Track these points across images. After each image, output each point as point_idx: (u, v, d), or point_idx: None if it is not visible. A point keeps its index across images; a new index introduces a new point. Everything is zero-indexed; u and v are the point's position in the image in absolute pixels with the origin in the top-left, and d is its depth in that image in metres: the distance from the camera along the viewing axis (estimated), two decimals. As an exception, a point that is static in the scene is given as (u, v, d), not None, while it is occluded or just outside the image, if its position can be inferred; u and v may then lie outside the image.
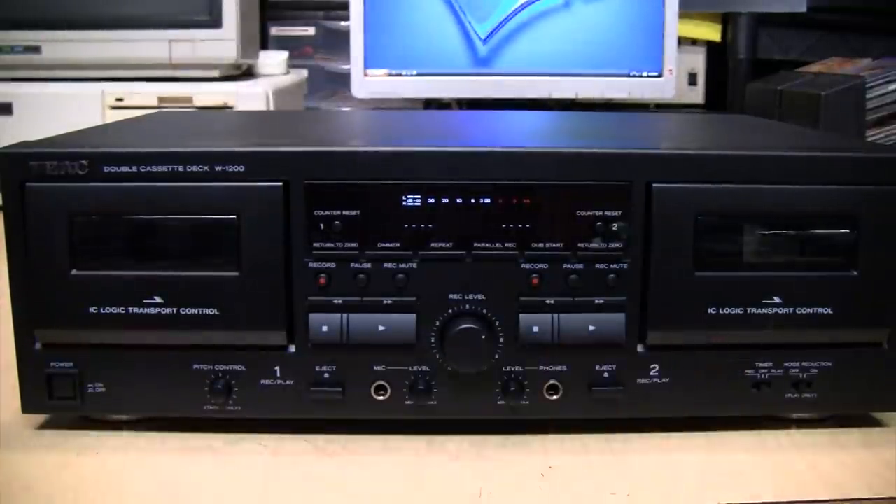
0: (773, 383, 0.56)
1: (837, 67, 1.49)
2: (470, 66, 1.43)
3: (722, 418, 0.57)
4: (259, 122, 0.78)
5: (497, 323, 0.54)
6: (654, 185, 0.53)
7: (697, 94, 1.72)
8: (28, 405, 0.55)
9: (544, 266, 0.54)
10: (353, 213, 0.53)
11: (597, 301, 0.54)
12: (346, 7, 1.43)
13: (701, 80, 1.72)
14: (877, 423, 0.59)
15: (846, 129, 1.31)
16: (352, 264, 0.54)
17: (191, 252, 0.54)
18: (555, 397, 0.55)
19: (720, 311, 0.54)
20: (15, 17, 1.31)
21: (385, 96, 1.45)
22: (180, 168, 0.53)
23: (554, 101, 1.48)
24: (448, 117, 0.92)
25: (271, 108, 1.30)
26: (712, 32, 1.71)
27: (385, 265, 0.54)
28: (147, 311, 0.53)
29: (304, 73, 1.61)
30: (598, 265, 0.54)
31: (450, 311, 0.54)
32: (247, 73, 1.45)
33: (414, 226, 0.53)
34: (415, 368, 0.55)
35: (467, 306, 0.54)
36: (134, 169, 0.53)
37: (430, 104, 1.59)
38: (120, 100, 1.28)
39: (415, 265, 0.54)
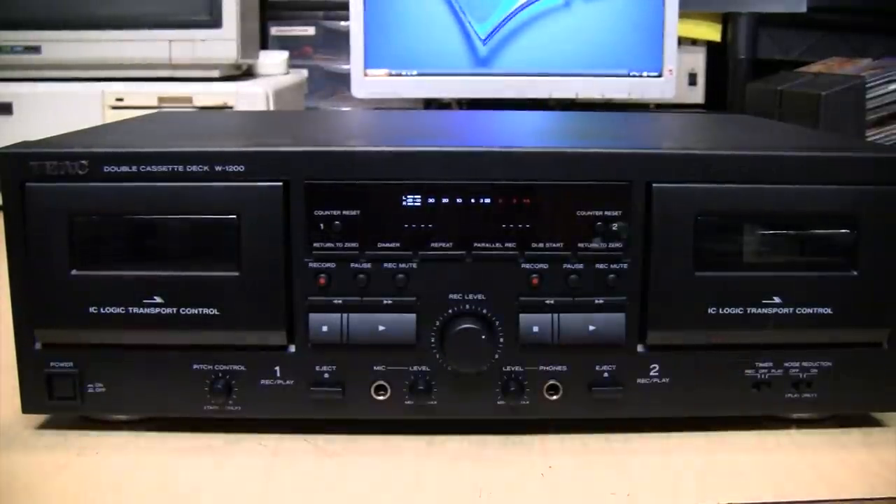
0: (773, 383, 0.56)
1: (837, 67, 1.50)
2: (470, 66, 1.43)
3: (722, 418, 0.57)
4: (259, 122, 0.78)
5: (497, 323, 0.54)
6: (654, 185, 0.53)
7: (697, 94, 1.72)
8: (28, 405, 0.55)
9: (544, 266, 0.54)
10: (353, 213, 0.53)
11: (597, 301, 0.54)
12: (346, 7, 1.43)
13: (701, 80, 1.72)
14: (877, 423, 0.59)
15: (846, 129, 1.31)
16: (352, 264, 0.54)
17: (191, 252, 0.54)
18: (555, 397, 0.55)
19: (720, 311, 0.54)
20: (15, 17, 1.30)
21: (385, 96, 1.45)
22: (180, 168, 0.53)
23: (554, 101, 1.48)
24: (448, 117, 0.92)
25: (271, 108, 1.30)
26: (712, 32, 1.71)
27: (385, 265, 0.54)
28: (147, 311, 0.53)
29: (304, 73, 1.61)
30: (598, 265, 0.54)
31: (450, 311, 0.54)
32: (247, 73, 1.45)
33: (414, 226, 0.53)
34: (415, 368, 0.55)
35: (467, 306, 0.54)
36: (134, 169, 0.53)
37: (430, 104, 1.60)
38: (120, 100, 1.28)
39: (415, 265, 0.54)
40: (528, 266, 0.54)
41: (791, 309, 0.54)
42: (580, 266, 0.54)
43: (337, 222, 0.53)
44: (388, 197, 0.53)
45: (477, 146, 0.54)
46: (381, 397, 0.55)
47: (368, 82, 1.43)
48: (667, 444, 0.56)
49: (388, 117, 0.89)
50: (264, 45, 1.67)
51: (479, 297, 0.54)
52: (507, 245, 0.54)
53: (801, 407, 0.57)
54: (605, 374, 0.55)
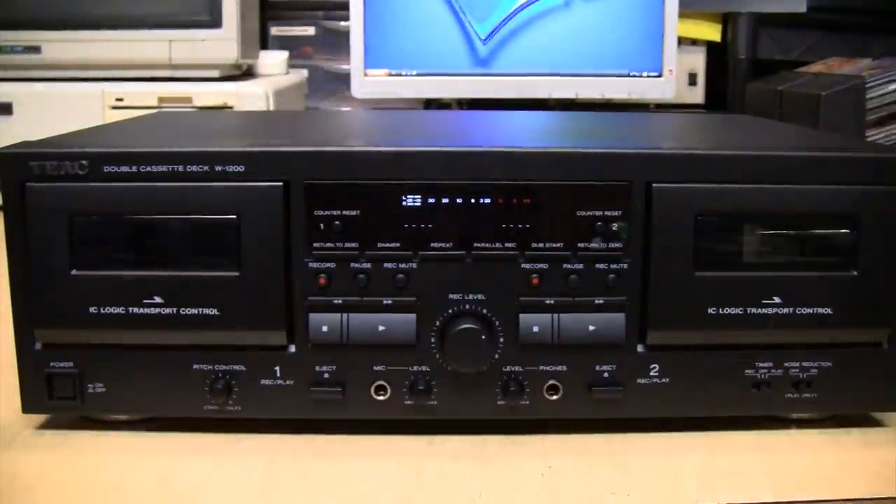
0: (773, 383, 0.56)
1: (837, 67, 1.50)
2: (470, 66, 1.43)
3: (722, 418, 0.57)
4: (259, 122, 0.78)
5: (497, 323, 0.54)
6: (654, 185, 0.53)
7: (697, 94, 1.72)
8: (28, 405, 0.55)
9: (544, 266, 0.54)
10: (353, 213, 0.53)
11: (597, 301, 0.54)
12: (346, 7, 1.43)
13: (701, 80, 1.72)
14: (877, 423, 0.59)
15: (846, 129, 1.31)
16: (352, 264, 0.54)
17: (191, 252, 0.54)
18: (555, 397, 0.55)
19: (720, 311, 0.54)
20: (15, 17, 1.31)
21: (385, 96, 1.45)
22: (180, 168, 0.53)
23: (554, 101, 1.48)
24: (448, 117, 0.92)
25: (271, 108, 1.30)
26: (712, 32, 1.71)
27: (385, 265, 0.54)
28: (147, 311, 0.53)
29: (304, 73, 1.61)
30: (598, 265, 0.54)
31: (450, 311, 0.54)
32: (247, 73, 1.45)
33: (414, 226, 0.53)
34: (415, 368, 0.55)
35: (467, 306, 0.54)
36: (134, 169, 0.53)
37: (430, 104, 1.59)
38: (120, 100, 1.28)
39: (415, 265, 0.54)
40: (528, 266, 0.54)
41: (791, 309, 0.54)
42: (580, 266, 0.54)
43: (337, 222, 0.53)
44: (388, 197, 0.53)
45: (477, 146, 0.54)
46: (381, 397, 0.55)
47: (368, 82, 1.43)
48: (667, 444, 0.56)
49: (388, 117, 0.89)
50: (264, 45, 1.67)
51: (479, 297, 0.54)
52: (507, 245, 0.54)
53: (801, 407, 0.57)
54: (605, 374, 0.55)
